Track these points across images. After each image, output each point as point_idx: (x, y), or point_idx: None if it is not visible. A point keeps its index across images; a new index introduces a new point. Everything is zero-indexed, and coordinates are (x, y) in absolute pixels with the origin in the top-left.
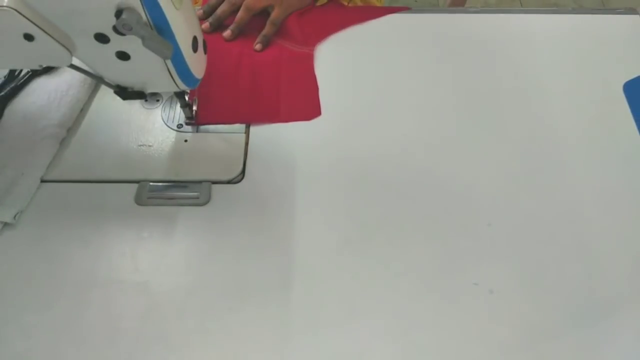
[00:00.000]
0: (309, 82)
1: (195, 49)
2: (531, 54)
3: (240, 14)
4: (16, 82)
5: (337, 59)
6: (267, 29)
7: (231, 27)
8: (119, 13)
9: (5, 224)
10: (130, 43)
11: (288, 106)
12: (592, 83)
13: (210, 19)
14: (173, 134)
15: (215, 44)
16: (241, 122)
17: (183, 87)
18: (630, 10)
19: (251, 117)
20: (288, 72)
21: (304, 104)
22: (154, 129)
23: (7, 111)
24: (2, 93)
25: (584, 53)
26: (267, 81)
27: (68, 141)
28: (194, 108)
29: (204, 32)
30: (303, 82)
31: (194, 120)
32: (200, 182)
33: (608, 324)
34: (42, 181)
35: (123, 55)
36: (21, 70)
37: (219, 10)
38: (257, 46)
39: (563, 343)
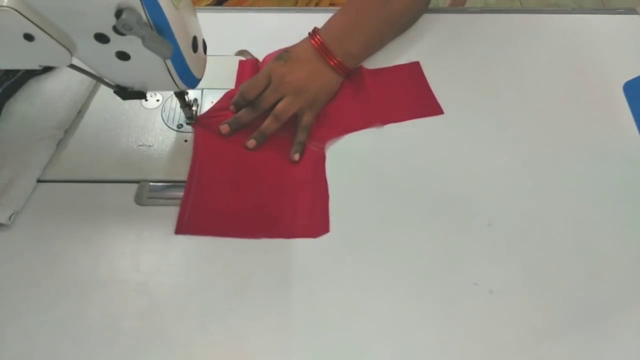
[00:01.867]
0: (319, 190)
1: (195, 49)
2: (531, 54)
3: (268, 122)
4: (13, 79)
5: None
6: (301, 136)
7: (255, 135)
8: (119, 13)
9: (1, 225)
10: (131, 43)
11: (292, 219)
12: (592, 83)
13: (230, 120)
14: (173, 134)
15: (213, 139)
16: (236, 237)
17: (183, 87)
18: (630, 10)
19: (248, 230)
20: (296, 176)
21: (311, 217)
22: (154, 129)
23: (5, 112)
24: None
25: (584, 53)
26: (271, 187)
27: (68, 141)
28: (194, 108)
29: (223, 134)
30: (312, 189)
31: (194, 121)
32: None
33: (608, 324)
34: (42, 181)
35: (123, 55)
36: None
37: (240, 114)
38: (296, 156)
39: (563, 343)
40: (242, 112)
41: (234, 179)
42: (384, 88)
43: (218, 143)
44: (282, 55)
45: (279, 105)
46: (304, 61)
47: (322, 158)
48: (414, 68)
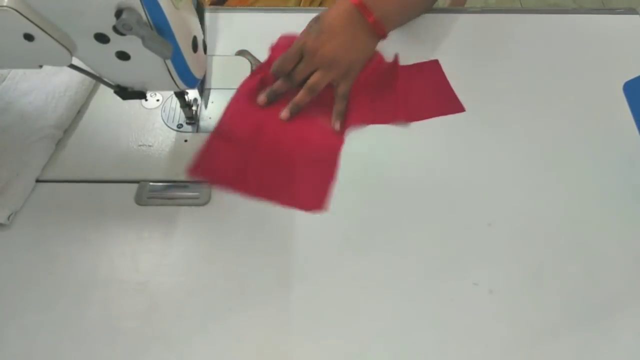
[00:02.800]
0: (327, 170)
1: (195, 49)
2: (531, 54)
3: (301, 95)
4: None
5: None
6: (339, 105)
7: (289, 107)
8: (119, 13)
9: (0, 225)
10: (130, 43)
11: (294, 188)
12: (592, 83)
13: (267, 92)
14: (173, 134)
15: (245, 100)
16: (239, 192)
17: (183, 87)
18: (630, 10)
19: (251, 188)
20: (309, 153)
21: (312, 191)
22: (154, 129)
23: (4, 111)
24: None
25: (584, 53)
26: (284, 155)
27: (68, 141)
28: (194, 108)
29: (260, 106)
30: (322, 167)
31: (194, 121)
32: (200, 182)
33: (608, 324)
34: (42, 181)
35: (123, 55)
36: None
37: (276, 85)
38: (337, 124)
39: (563, 343)
40: (277, 83)
41: (253, 139)
42: (410, 85)
43: (248, 105)
44: (313, 27)
45: (312, 79)
46: (337, 30)
47: (340, 141)
48: (434, 66)
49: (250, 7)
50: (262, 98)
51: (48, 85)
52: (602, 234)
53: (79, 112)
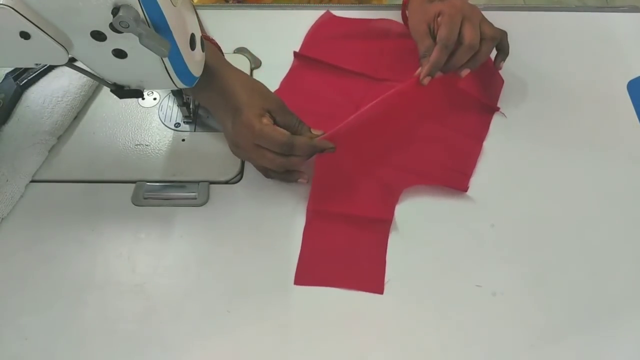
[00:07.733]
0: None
1: (193, 47)
2: (534, 52)
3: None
4: (39, 69)
5: None
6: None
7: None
8: (116, 10)
9: None
10: (127, 41)
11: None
12: (595, 81)
13: (432, 69)
14: (170, 133)
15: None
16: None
17: (181, 85)
18: (634, 8)
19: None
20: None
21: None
22: (151, 128)
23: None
24: (25, 81)
25: (588, 51)
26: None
27: (64, 140)
28: (191, 107)
29: (424, 85)
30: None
31: (192, 120)
32: (198, 182)
33: (612, 326)
34: (37, 181)
35: (120, 53)
36: None
37: (437, 57)
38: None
39: (567, 345)
40: (438, 54)
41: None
42: None
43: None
44: None
45: (477, 34)
46: None
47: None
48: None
49: (251, 5)
50: (426, 79)
51: (47, 89)
52: (605, 234)
53: (75, 117)
